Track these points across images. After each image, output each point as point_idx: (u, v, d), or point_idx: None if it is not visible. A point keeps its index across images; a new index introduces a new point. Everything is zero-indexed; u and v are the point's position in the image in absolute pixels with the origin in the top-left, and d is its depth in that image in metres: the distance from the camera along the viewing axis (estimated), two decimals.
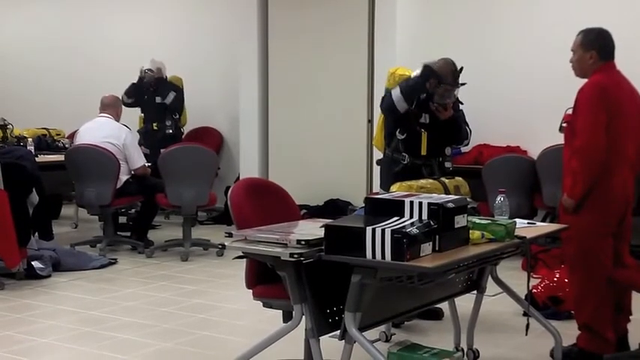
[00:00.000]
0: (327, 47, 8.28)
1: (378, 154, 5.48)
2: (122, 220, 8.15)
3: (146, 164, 7.34)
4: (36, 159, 6.91)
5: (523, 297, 4.03)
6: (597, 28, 4.16)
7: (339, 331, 3.28)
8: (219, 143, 9.39)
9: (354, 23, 8.06)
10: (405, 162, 4.92)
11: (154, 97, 8.66)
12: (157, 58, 8.74)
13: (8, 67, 11.09)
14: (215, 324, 5.02)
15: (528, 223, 4.02)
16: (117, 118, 7.48)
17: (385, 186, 4.83)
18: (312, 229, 3.32)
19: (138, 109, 8.83)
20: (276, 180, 4.35)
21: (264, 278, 3.56)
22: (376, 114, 6.00)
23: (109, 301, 5.57)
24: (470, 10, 7.73)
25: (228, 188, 6.26)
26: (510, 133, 7.45)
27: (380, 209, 3.24)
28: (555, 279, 5.21)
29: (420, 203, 3.16)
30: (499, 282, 4.08)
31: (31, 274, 6.09)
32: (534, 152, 7.13)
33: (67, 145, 8.12)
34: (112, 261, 6.79)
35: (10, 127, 7.86)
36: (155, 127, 8.68)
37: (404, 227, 3.02)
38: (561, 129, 4.22)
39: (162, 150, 7.34)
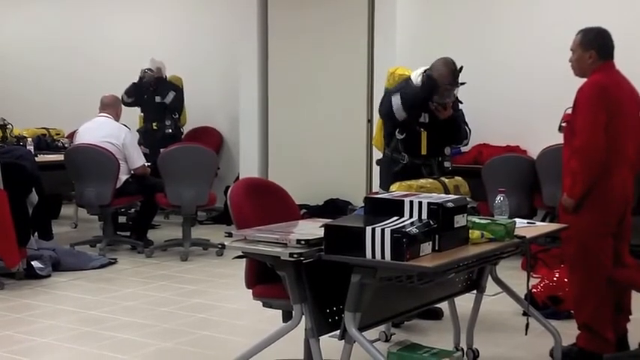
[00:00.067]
0: (327, 47, 8.28)
1: (377, 154, 5.48)
2: (122, 219, 8.15)
3: (146, 164, 7.34)
4: (35, 159, 6.91)
5: (523, 297, 4.03)
6: (596, 28, 4.16)
7: (338, 330, 3.28)
8: (218, 143, 9.39)
9: (354, 23, 8.06)
10: (405, 162, 4.91)
11: (154, 96, 8.66)
12: (157, 58, 8.75)
13: (8, 67, 11.08)
14: (215, 324, 5.02)
15: (528, 222, 4.02)
16: (116, 118, 7.48)
17: (385, 186, 4.83)
18: (312, 228, 3.32)
19: (137, 109, 8.83)
20: (275, 180, 4.35)
21: (263, 278, 3.56)
22: (376, 114, 5.98)
23: (108, 300, 5.57)
24: (470, 10, 7.73)
25: (227, 188, 6.26)
26: (510, 133, 7.45)
27: (380, 209, 3.24)
28: (555, 279, 5.21)
29: (420, 203, 3.16)
30: (499, 282, 4.09)
31: (31, 274, 6.09)
32: (534, 152, 7.13)
33: (66, 145, 8.12)
34: (112, 261, 6.79)
35: (10, 126, 7.86)
36: (155, 127, 8.68)
37: (404, 227, 3.02)
38: (561, 129, 4.22)
39: (161, 150, 7.34)
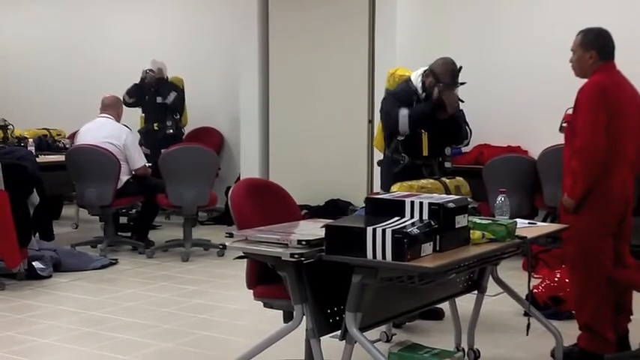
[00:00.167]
0: (327, 47, 8.28)
1: (378, 154, 5.48)
2: (123, 220, 8.15)
3: (147, 164, 7.34)
4: (36, 159, 6.92)
5: (524, 297, 4.03)
6: (597, 28, 4.16)
7: (339, 331, 3.28)
8: (219, 143, 9.39)
9: (354, 23, 8.06)
10: (405, 162, 4.91)
11: (155, 97, 8.67)
12: (157, 58, 8.75)
13: (8, 67, 11.09)
14: (216, 324, 5.03)
15: (529, 223, 4.02)
16: (117, 119, 7.48)
17: (385, 187, 4.83)
18: (313, 229, 3.32)
19: (139, 110, 8.84)
20: (276, 180, 4.35)
21: (264, 278, 3.56)
22: (376, 114, 6.00)
23: (109, 301, 5.57)
24: (470, 10, 7.74)
25: (228, 188, 6.22)
26: (511, 133, 7.45)
27: (380, 209, 3.24)
28: (556, 279, 5.21)
29: (421, 203, 3.16)
30: (500, 282, 4.08)
31: (32, 275, 6.09)
32: (535, 152, 7.13)
33: (67, 146, 8.12)
34: (113, 261, 6.79)
35: (11, 127, 7.87)
36: (156, 128, 8.69)
37: (405, 227, 3.02)
38: (561, 129, 4.22)
39: (162, 150, 7.34)
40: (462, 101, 5.04)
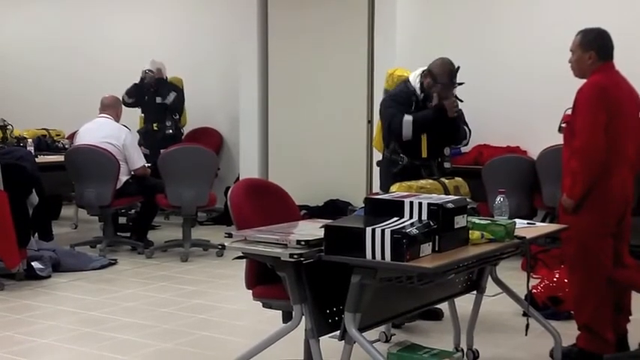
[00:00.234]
0: (327, 47, 8.28)
1: (377, 155, 5.48)
2: (122, 220, 8.15)
3: (146, 165, 7.34)
4: (36, 159, 6.92)
5: (523, 297, 4.03)
6: (596, 29, 4.16)
7: (338, 331, 3.28)
8: (219, 143, 9.39)
9: (354, 23, 8.06)
10: (403, 163, 4.91)
11: (155, 97, 8.66)
12: (157, 58, 8.75)
13: (8, 67, 11.09)
14: (215, 324, 5.02)
15: (528, 223, 4.02)
16: (117, 119, 7.48)
17: (384, 187, 4.83)
18: (312, 229, 3.32)
19: (138, 110, 8.83)
20: (276, 180, 4.35)
21: (263, 279, 3.56)
22: (376, 114, 5.99)
23: (108, 301, 5.57)
24: (470, 10, 7.73)
25: (228, 189, 6.24)
26: (510, 134, 7.45)
27: (380, 210, 3.25)
28: (555, 279, 5.21)
29: (420, 204, 3.16)
30: (499, 282, 4.09)
31: (31, 275, 6.09)
32: (534, 152, 7.13)
33: (66, 146, 8.12)
34: (112, 261, 6.79)
35: (10, 127, 7.87)
36: (155, 128, 8.68)
37: (404, 228, 3.02)
38: (560, 129, 4.22)
39: (162, 150, 7.34)
40: (461, 101, 5.04)
